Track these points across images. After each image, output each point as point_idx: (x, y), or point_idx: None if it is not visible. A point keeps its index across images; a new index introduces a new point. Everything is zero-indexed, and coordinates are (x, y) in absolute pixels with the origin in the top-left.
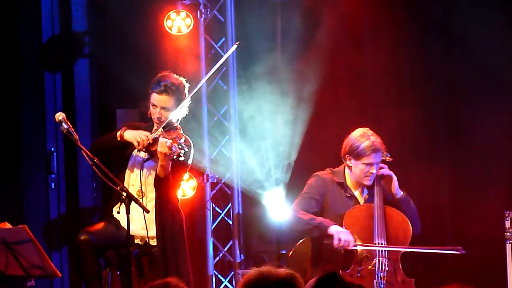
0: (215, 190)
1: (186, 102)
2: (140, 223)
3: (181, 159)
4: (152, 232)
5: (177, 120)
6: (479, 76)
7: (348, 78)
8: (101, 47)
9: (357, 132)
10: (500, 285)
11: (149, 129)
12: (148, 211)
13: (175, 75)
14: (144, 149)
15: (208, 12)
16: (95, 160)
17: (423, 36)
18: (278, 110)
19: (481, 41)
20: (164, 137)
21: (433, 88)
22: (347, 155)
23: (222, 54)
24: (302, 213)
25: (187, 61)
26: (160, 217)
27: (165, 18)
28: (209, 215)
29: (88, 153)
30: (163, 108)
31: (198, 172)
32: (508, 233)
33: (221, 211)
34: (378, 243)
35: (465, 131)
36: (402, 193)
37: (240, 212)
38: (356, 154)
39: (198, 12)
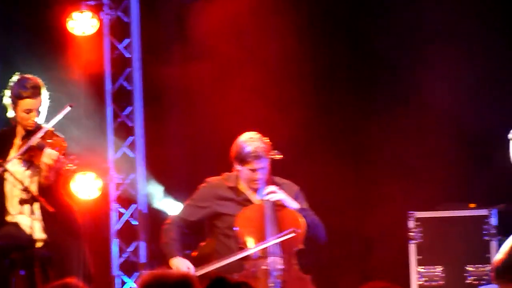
0: (119, 191)
1: (47, 100)
2: (35, 226)
3: (72, 167)
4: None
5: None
6: (383, 74)
7: (251, 76)
8: (4, 49)
9: (243, 137)
10: (403, 285)
11: (12, 133)
12: (52, 210)
13: (26, 75)
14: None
15: (112, 13)
16: None
17: (327, 35)
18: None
19: (386, 40)
20: (49, 147)
21: (337, 85)
22: (233, 160)
23: (125, 55)
24: (170, 228)
25: (91, 62)
26: (47, 220)
27: (68, 19)
28: (114, 215)
29: None
30: (37, 110)
31: (102, 173)
32: (411, 233)
33: (126, 212)
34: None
35: (369, 130)
36: (298, 206)
37: (145, 212)
38: (240, 159)
39: (102, 13)
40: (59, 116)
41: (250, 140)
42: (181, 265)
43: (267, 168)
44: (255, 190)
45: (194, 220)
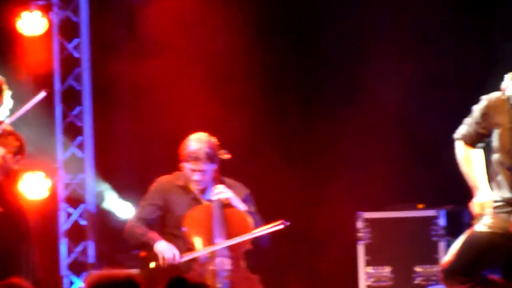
0: (68, 191)
1: (9, 99)
2: None
3: (17, 167)
4: None
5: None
6: (330, 75)
7: (201, 74)
8: None
9: (193, 136)
10: (352, 285)
11: None
12: (1, 210)
13: None
14: None
15: (62, 13)
16: None
17: (275, 36)
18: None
19: (334, 42)
20: None
21: (285, 86)
22: (180, 157)
23: (75, 55)
24: (137, 225)
25: (40, 62)
26: None
27: (17, 19)
28: (62, 215)
29: None
30: None
31: (51, 173)
32: (359, 234)
33: (74, 212)
34: (218, 243)
35: (317, 131)
36: (244, 208)
37: (94, 212)
38: (183, 157)
39: (52, 12)
40: (33, 102)
41: (196, 141)
42: (167, 249)
43: (209, 172)
44: (203, 190)
45: (153, 218)
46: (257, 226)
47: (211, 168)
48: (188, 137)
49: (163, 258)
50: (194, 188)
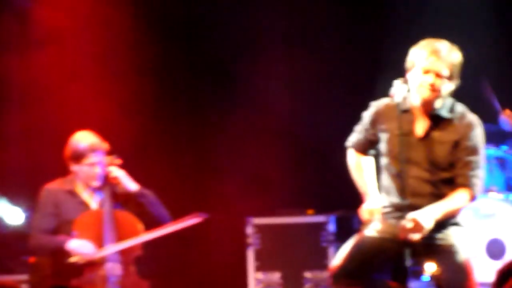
0: None
1: None
2: None
3: None
4: None
5: None
6: (222, 80)
7: (94, 75)
8: None
9: (76, 135)
10: None
11: None
12: None
13: None
14: None
15: None
16: None
17: (166, 36)
18: None
19: (225, 46)
20: None
21: (175, 87)
22: (69, 161)
23: None
24: (39, 238)
25: None
26: None
27: None
28: None
29: None
30: None
31: None
32: (249, 239)
33: None
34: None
35: (209, 136)
36: (135, 187)
37: None
38: (77, 156)
39: None
40: None
41: (87, 136)
42: (81, 245)
43: (105, 163)
44: (93, 191)
45: (52, 227)
46: (153, 200)
47: (104, 159)
48: (74, 137)
49: (80, 255)
50: (90, 186)
